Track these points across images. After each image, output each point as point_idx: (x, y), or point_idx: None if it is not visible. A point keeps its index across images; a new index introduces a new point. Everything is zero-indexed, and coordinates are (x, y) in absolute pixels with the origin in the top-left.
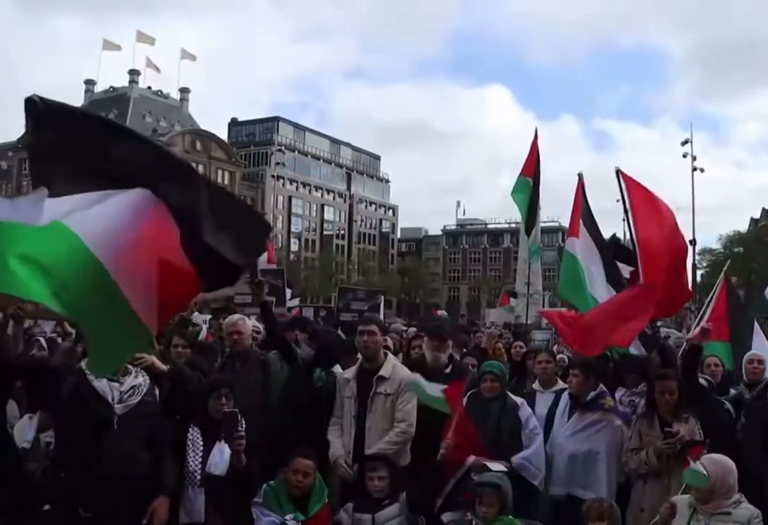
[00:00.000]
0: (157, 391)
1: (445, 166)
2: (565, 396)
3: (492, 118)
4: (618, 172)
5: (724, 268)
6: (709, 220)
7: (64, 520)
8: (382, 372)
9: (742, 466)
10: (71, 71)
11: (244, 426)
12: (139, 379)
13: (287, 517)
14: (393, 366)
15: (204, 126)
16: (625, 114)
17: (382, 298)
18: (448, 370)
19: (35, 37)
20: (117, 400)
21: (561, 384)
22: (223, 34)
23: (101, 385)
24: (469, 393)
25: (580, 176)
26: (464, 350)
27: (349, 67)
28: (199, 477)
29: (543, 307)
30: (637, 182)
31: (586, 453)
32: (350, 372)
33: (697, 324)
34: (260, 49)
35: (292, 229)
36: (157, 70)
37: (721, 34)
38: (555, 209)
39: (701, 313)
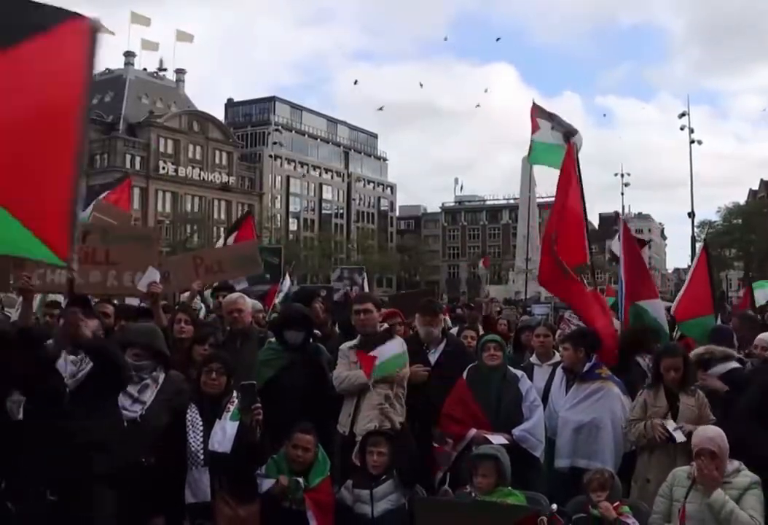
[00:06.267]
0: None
1: (447, 144)
2: (560, 369)
3: (496, 96)
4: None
5: (703, 236)
6: (711, 193)
7: (30, 503)
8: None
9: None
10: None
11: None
12: None
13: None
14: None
15: (201, 107)
16: (626, 90)
17: (365, 275)
18: (442, 344)
19: None
20: (70, 374)
21: (558, 357)
22: (225, 17)
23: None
24: (469, 366)
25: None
26: (465, 324)
27: (352, 48)
28: (202, 456)
29: None
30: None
31: (590, 423)
32: (353, 342)
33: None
34: (262, 32)
35: (291, 208)
36: (155, 48)
37: (721, 10)
38: (554, 186)
39: (685, 283)
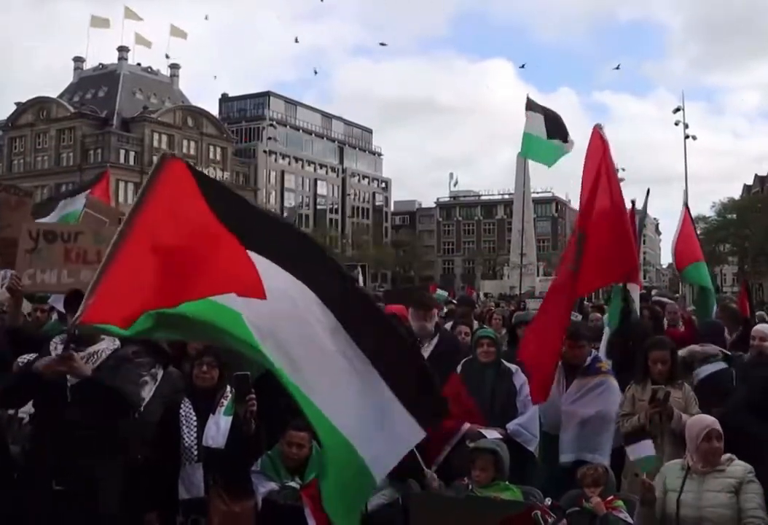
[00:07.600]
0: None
1: (446, 140)
2: (558, 364)
3: (494, 92)
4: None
5: (685, 202)
6: (707, 189)
7: (37, 494)
8: None
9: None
10: (61, 49)
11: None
12: (101, 345)
13: (286, 481)
14: None
15: (195, 102)
16: (623, 87)
17: (359, 270)
18: (435, 339)
19: (28, 19)
20: None
21: None
22: (222, 12)
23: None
24: (463, 361)
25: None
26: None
27: (351, 44)
28: (195, 452)
29: (537, 276)
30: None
31: (595, 416)
32: None
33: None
34: (260, 27)
35: (286, 204)
36: (148, 45)
37: (719, 7)
38: (549, 181)
39: (675, 238)
